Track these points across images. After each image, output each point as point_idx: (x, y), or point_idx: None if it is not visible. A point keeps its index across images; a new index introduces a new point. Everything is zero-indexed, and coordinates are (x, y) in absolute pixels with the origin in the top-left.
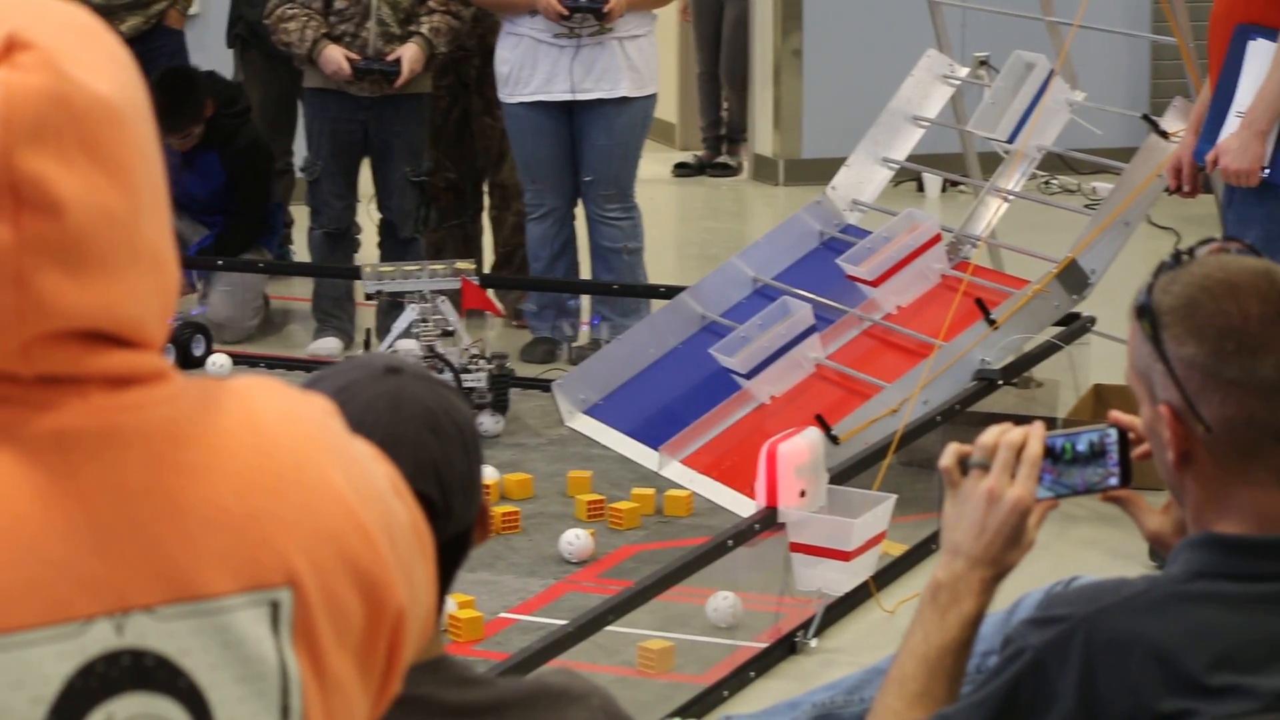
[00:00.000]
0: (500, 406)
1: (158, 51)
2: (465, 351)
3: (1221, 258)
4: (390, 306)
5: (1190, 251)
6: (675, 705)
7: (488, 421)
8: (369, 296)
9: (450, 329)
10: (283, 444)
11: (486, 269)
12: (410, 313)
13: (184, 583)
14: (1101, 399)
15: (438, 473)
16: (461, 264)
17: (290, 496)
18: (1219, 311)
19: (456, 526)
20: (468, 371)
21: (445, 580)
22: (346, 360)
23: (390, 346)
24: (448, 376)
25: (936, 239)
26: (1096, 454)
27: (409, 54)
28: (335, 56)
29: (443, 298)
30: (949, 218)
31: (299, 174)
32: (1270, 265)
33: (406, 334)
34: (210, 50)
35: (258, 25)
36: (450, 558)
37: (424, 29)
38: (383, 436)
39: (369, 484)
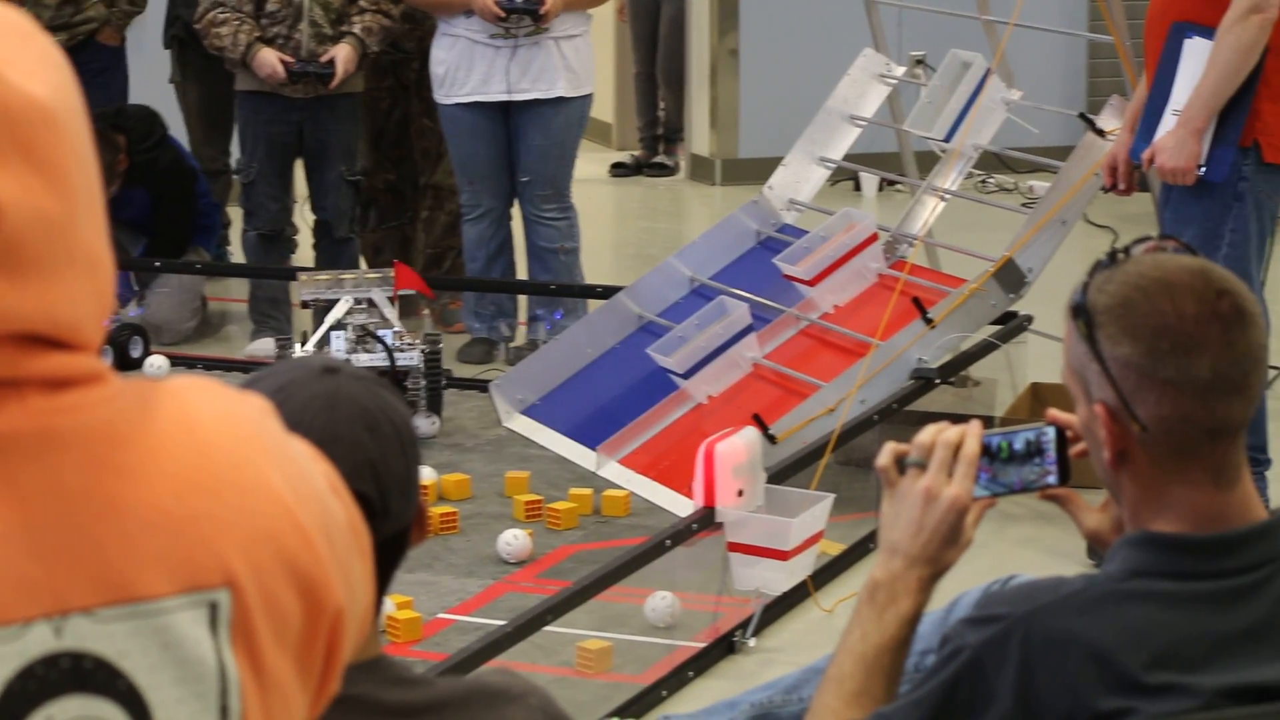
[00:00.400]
0: (435, 402)
1: (84, 68)
2: (399, 335)
3: (1157, 256)
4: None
5: (1126, 250)
6: (614, 705)
7: (423, 424)
8: (304, 305)
9: (386, 326)
10: (220, 444)
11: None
12: (343, 304)
13: (122, 585)
14: (1039, 397)
15: (375, 472)
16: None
17: (228, 497)
18: (1154, 311)
19: (394, 526)
20: (401, 351)
21: (383, 580)
22: (283, 360)
23: (322, 337)
24: (380, 353)
25: (873, 238)
26: (1033, 452)
27: (342, 55)
28: (270, 60)
29: (376, 289)
30: (886, 217)
31: (235, 175)
32: (1206, 264)
33: (339, 325)
34: (147, 51)
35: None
36: (388, 557)
37: (356, 29)
38: (320, 436)
39: (306, 484)
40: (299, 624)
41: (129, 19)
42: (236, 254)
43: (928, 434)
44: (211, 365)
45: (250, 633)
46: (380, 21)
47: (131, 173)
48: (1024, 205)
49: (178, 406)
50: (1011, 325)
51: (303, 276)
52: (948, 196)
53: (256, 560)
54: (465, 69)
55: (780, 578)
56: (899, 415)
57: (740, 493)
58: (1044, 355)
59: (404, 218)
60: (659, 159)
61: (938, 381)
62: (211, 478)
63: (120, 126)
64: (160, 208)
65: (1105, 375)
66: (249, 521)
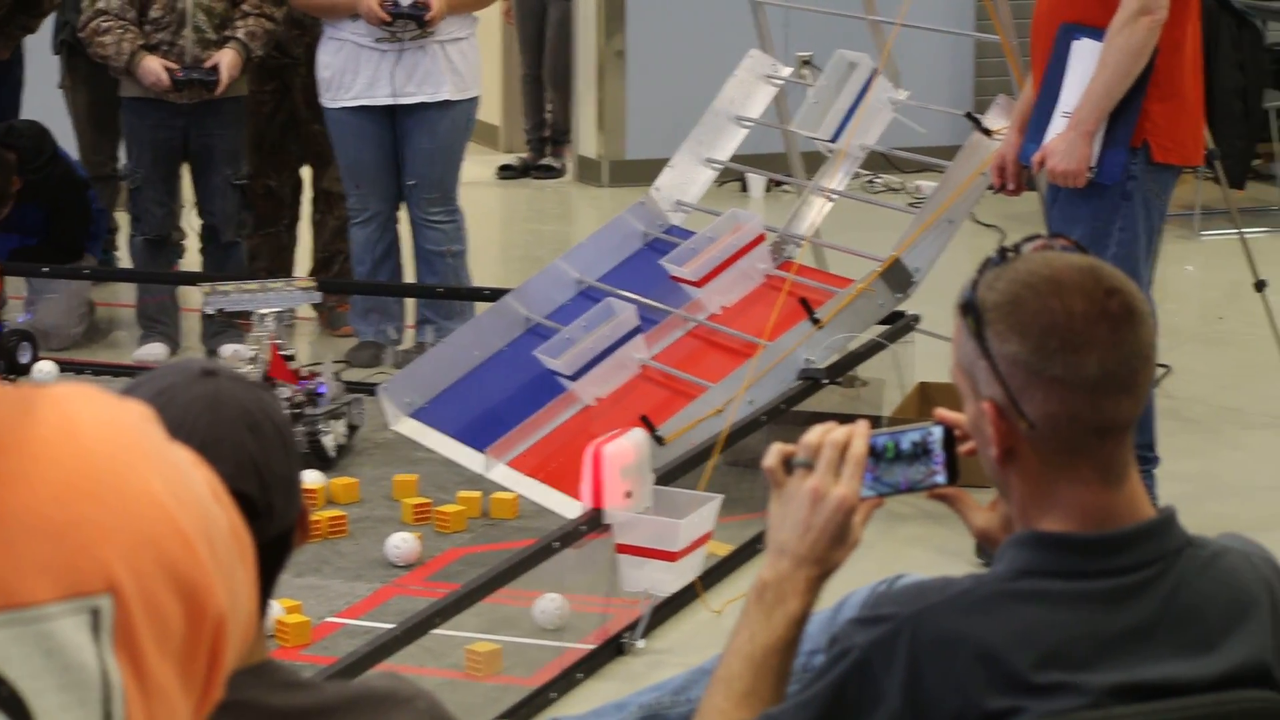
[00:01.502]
0: (322, 457)
1: None
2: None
3: (1046, 254)
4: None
5: (1016, 248)
6: (503, 708)
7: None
8: (208, 318)
9: (290, 353)
10: (101, 450)
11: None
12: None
13: (3, 591)
14: (926, 397)
15: (258, 472)
16: (302, 281)
17: (109, 503)
18: (1043, 308)
19: (278, 526)
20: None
21: (268, 583)
22: (164, 365)
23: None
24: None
25: (760, 239)
26: (920, 453)
27: (226, 60)
28: (154, 68)
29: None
30: (773, 218)
31: (123, 181)
32: (1095, 262)
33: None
34: (35, 56)
35: None
36: (272, 560)
37: (240, 33)
38: (202, 438)
39: (188, 490)
40: (181, 629)
41: (17, 40)
42: (124, 259)
43: (815, 434)
44: (100, 370)
45: (133, 638)
46: (264, 25)
47: (24, 191)
48: (911, 205)
49: (58, 413)
50: (899, 325)
51: (205, 288)
52: (835, 197)
53: (138, 566)
54: (351, 73)
55: (669, 579)
56: (787, 416)
57: (628, 494)
58: (932, 355)
59: (281, 224)
60: (546, 161)
61: (825, 381)
62: (93, 483)
63: (11, 145)
64: (55, 220)
65: (993, 372)
66: (131, 527)
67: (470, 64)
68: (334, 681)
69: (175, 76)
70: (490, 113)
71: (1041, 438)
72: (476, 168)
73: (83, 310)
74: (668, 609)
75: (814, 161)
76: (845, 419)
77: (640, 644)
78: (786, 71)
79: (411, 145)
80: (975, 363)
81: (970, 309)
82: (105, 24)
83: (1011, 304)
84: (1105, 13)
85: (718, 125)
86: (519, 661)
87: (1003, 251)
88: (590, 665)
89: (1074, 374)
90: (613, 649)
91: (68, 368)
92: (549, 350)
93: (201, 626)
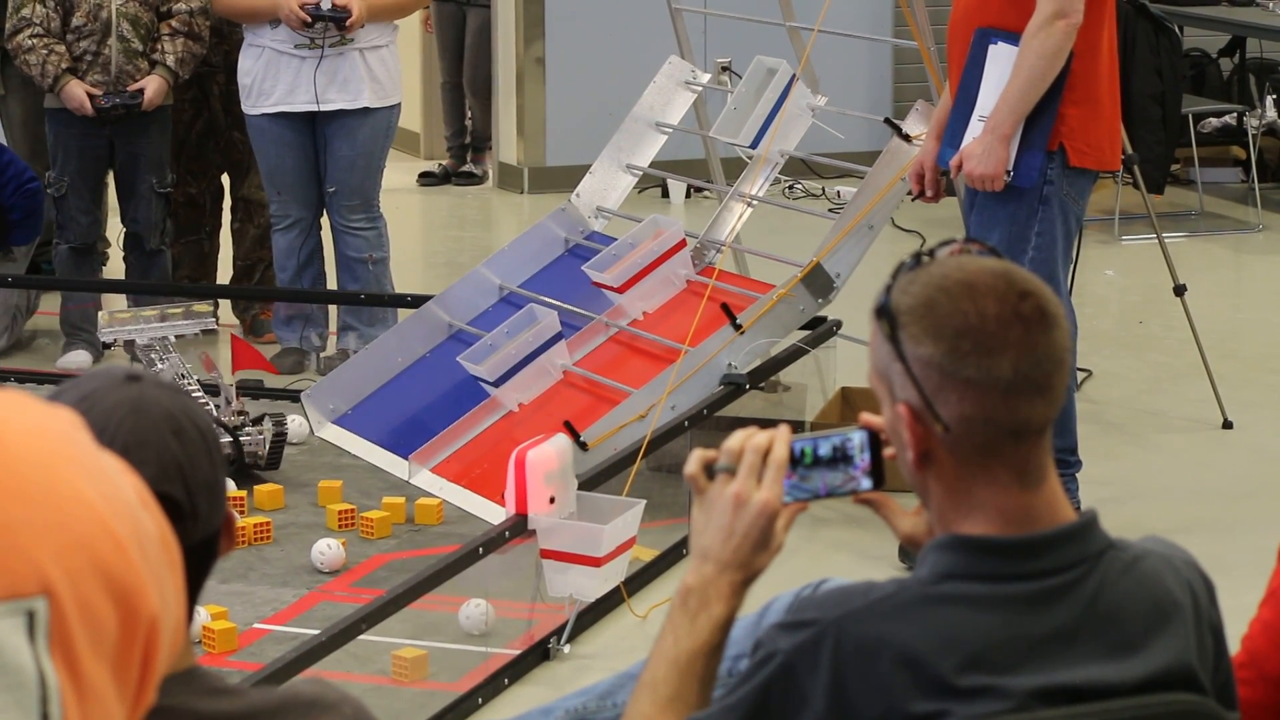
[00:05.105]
0: (274, 463)
1: None
2: (236, 414)
3: (960, 259)
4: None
5: (930, 252)
6: (429, 713)
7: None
8: (106, 346)
9: (186, 379)
10: (30, 456)
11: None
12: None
13: None
14: (848, 402)
15: (182, 475)
16: (199, 307)
17: (41, 506)
18: (956, 311)
19: (203, 531)
20: (242, 430)
21: (194, 589)
22: (87, 372)
23: None
24: (226, 440)
25: (681, 245)
26: (840, 458)
27: (153, 87)
28: (77, 95)
29: (174, 355)
30: (694, 223)
31: (48, 189)
32: (1009, 266)
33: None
34: None
35: None
36: (198, 565)
37: (169, 60)
38: (125, 442)
39: (118, 495)
40: (115, 632)
41: None
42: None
43: (736, 439)
44: (24, 378)
45: (68, 641)
46: (191, 50)
47: None
48: (831, 211)
49: None
50: (820, 330)
51: (103, 316)
52: (755, 202)
53: (72, 569)
54: (271, 79)
55: (593, 584)
56: (709, 421)
57: (552, 500)
58: (853, 360)
59: (202, 232)
60: (467, 168)
61: (747, 387)
62: (23, 487)
63: None
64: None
65: (908, 375)
66: (63, 530)
67: (390, 71)
68: (260, 687)
69: (98, 105)
70: (411, 120)
71: (957, 440)
72: (398, 174)
73: (6, 319)
74: (592, 614)
75: (734, 167)
76: (767, 424)
77: (565, 649)
78: (706, 78)
79: (332, 152)
80: (890, 366)
81: (885, 313)
82: (30, 41)
83: (925, 307)
84: (1021, 17)
85: (638, 131)
86: (445, 667)
87: (917, 256)
88: (516, 670)
89: (987, 376)
90: (538, 654)
91: None
92: (472, 356)
93: (135, 629)
